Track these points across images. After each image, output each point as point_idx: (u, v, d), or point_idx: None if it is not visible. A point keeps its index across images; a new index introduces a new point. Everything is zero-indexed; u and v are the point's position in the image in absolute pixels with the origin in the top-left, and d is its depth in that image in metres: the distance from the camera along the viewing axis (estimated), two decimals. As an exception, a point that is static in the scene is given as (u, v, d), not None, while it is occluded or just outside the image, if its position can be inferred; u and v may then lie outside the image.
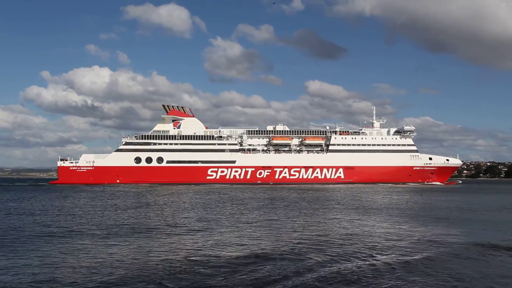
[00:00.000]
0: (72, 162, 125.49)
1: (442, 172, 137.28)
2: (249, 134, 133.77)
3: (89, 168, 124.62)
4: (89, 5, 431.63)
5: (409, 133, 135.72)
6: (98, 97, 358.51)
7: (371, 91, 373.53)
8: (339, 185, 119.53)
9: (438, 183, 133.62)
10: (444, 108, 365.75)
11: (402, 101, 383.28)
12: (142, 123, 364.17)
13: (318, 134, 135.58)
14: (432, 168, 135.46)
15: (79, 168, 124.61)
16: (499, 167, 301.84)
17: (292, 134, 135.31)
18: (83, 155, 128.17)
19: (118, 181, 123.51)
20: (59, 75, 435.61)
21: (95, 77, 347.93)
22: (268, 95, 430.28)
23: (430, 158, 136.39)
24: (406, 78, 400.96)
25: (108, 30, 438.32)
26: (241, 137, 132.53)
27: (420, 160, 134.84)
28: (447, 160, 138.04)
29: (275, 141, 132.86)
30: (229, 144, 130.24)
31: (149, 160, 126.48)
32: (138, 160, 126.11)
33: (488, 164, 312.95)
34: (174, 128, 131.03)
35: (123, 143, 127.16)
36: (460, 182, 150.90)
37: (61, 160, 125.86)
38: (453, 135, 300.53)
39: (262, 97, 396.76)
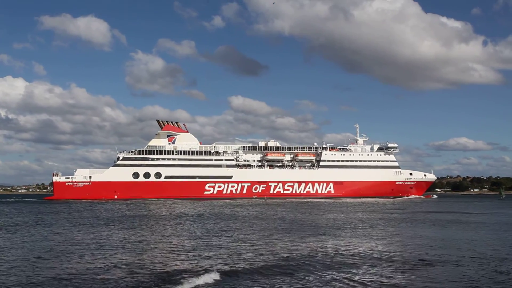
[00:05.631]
0: (68, 178, 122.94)
1: (420, 186, 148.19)
2: (244, 149, 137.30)
3: (86, 183, 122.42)
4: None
5: (392, 150, 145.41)
6: (12, 109, 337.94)
7: (293, 107, 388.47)
8: (331, 199, 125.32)
9: (417, 196, 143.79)
10: (364, 125, 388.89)
11: (324, 117, 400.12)
12: (62, 136, 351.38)
13: (309, 150, 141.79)
14: (412, 183, 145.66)
15: (75, 183, 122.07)
16: None
17: (285, 150, 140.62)
18: (77, 170, 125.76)
19: (115, 196, 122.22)
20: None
21: (8, 88, 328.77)
22: (192, 109, 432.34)
23: (411, 174, 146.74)
24: (327, 96, 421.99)
25: (22, 40, 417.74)
26: (236, 152, 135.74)
27: (402, 176, 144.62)
28: (425, 175, 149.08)
29: (269, 157, 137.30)
30: (225, 159, 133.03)
31: (147, 175, 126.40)
32: (136, 175, 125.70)
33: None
34: (169, 144, 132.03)
35: (121, 158, 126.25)
36: (436, 196, 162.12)
37: (56, 175, 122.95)
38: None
39: (186, 112, 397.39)
